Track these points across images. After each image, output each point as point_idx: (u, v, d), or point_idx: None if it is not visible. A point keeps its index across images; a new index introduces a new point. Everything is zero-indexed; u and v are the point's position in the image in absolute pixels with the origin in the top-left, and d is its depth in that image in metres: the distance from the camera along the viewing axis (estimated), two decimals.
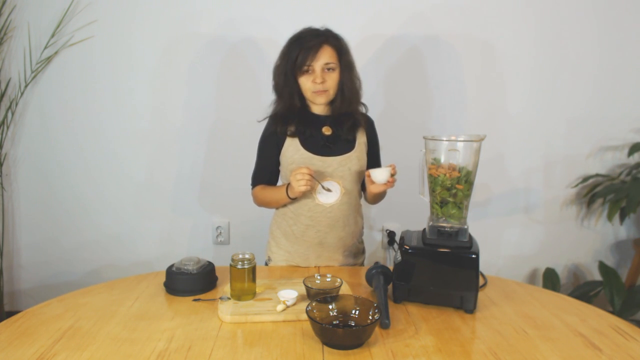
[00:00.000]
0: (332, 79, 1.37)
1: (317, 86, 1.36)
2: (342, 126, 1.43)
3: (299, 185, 1.30)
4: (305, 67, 1.35)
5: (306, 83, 1.37)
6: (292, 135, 1.42)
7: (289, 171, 1.42)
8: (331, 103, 1.44)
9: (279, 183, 1.53)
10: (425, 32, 2.09)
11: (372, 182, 1.35)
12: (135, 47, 2.09)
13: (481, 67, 2.13)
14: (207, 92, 2.14)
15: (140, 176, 2.20)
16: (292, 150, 1.41)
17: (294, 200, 1.41)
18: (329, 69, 1.37)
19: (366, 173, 1.36)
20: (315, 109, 1.45)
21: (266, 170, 1.50)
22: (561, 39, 2.10)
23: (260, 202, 1.52)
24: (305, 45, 1.34)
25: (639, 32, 2.09)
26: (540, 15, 2.08)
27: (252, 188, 1.53)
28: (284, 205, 1.48)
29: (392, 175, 1.34)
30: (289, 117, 1.42)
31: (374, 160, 1.52)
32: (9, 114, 2.12)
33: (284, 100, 1.42)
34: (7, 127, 2.13)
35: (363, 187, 1.56)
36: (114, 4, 2.05)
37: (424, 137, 1.22)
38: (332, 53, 1.36)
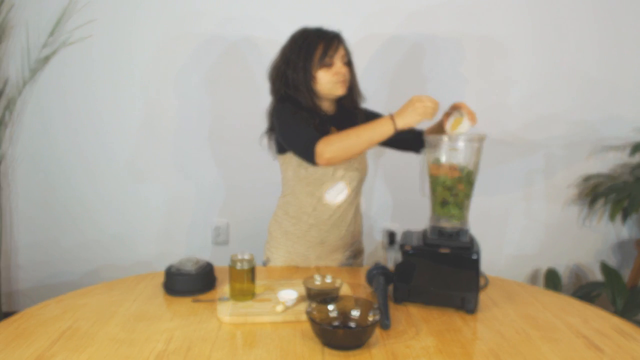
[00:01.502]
0: (348, 72, 1.38)
1: (339, 76, 1.35)
2: (347, 124, 1.39)
3: (427, 111, 1.16)
4: (328, 60, 1.33)
5: (326, 76, 1.35)
6: None
7: (303, 169, 1.38)
8: (337, 101, 1.44)
9: (282, 183, 1.51)
10: (425, 31, 2.08)
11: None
12: (134, 46, 2.09)
13: (481, 66, 2.12)
14: (206, 91, 2.14)
15: (139, 175, 2.20)
16: None
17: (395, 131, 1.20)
18: (344, 63, 1.37)
19: (449, 128, 1.24)
20: (323, 107, 1.43)
21: (314, 127, 1.30)
22: (562, 37, 2.09)
23: (341, 148, 1.22)
24: (325, 39, 1.34)
25: (639, 31, 2.08)
26: (541, 14, 2.07)
27: (315, 145, 1.23)
28: (287, 201, 1.46)
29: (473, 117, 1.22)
30: (313, 113, 1.36)
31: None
32: (8, 114, 2.11)
33: (302, 96, 1.36)
34: (6, 127, 2.13)
35: (402, 144, 1.49)
36: (113, 3, 2.04)
37: (425, 137, 1.21)
38: (344, 48, 1.38)
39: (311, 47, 1.33)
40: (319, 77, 1.35)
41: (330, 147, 1.21)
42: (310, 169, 1.38)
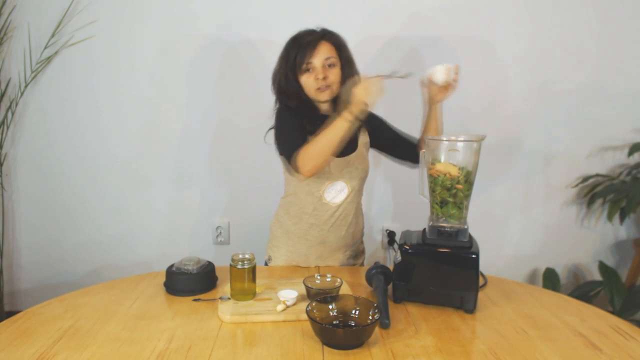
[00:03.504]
0: (334, 74, 1.36)
1: (320, 82, 1.33)
2: None
3: (368, 92, 1.19)
4: (305, 65, 1.33)
5: (308, 81, 1.35)
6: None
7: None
8: (335, 102, 1.42)
9: (284, 184, 1.52)
10: (424, 33, 2.09)
11: (433, 86, 1.30)
12: (135, 47, 2.09)
13: (480, 67, 2.12)
14: (206, 92, 2.14)
15: (140, 176, 2.20)
16: None
17: (354, 121, 1.23)
18: (329, 65, 1.35)
19: (428, 76, 1.30)
20: (321, 109, 1.44)
21: (303, 133, 1.34)
22: (561, 38, 2.10)
23: (315, 153, 1.25)
24: (302, 43, 1.33)
25: (639, 31, 2.09)
26: (540, 14, 2.08)
27: (295, 154, 1.28)
28: (288, 201, 1.48)
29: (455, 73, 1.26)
30: (302, 112, 1.39)
31: (392, 134, 1.50)
32: (9, 114, 2.12)
33: (291, 100, 1.38)
34: (7, 127, 2.13)
35: (403, 155, 1.51)
36: (114, 4, 2.05)
37: (425, 137, 1.22)
38: (331, 48, 1.35)
39: (290, 53, 1.34)
40: (302, 83, 1.36)
41: (306, 158, 1.25)
42: None
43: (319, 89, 1.35)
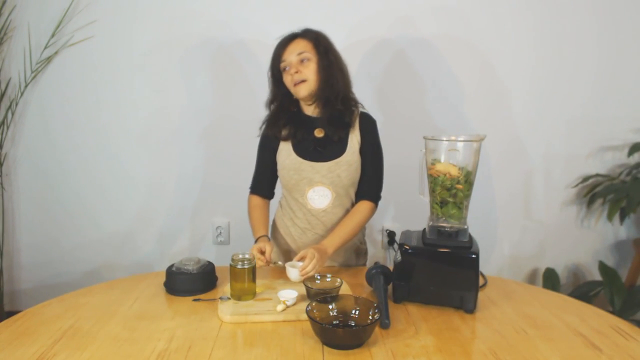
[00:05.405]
0: (309, 68, 1.34)
1: (294, 76, 1.34)
2: (332, 127, 1.38)
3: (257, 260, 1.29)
4: (282, 63, 1.35)
5: (287, 80, 1.37)
6: (285, 139, 1.41)
7: (281, 176, 1.45)
8: (323, 105, 1.39)
9: (278, 184, 1.54)
10: (414, 34, 2.09)
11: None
12: (135, 47, 2.09)
13: (480, 68, 2.12)
14: (206, 91, 2.14)
15: (140, 176, 2.20)
16: (284, 155, 1.41)
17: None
18: (303, 60, 1.34)
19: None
20: (308, 110, 1.43)
21: (264, 174, 1.50)
22: (560, 38, 2.10)
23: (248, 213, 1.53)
24: (279, 43, 1.37)
25: (638, 32, 2.09)
26: (539, 16, 2.07)
27: (250, 192, 1.53)
28: (283, 204, 1.51)
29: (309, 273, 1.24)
30: (281, 119, 1.42)
31: (369, 162, 1.42)
32: (9, 114, 2.12)
33: (278, 102, 1.43)
34: (7, 127, 2.13)
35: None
36: (114, 4, 2.05)
37: (424, 137, 1.22)
38: (306, 44, 1.35)
39: (273, 54, 1.38)
40: (285, 82, 1.38)
41: (248, 206, 1.52)
42: (286, 176, 1.42)
43: (295, 84, 1.35)
